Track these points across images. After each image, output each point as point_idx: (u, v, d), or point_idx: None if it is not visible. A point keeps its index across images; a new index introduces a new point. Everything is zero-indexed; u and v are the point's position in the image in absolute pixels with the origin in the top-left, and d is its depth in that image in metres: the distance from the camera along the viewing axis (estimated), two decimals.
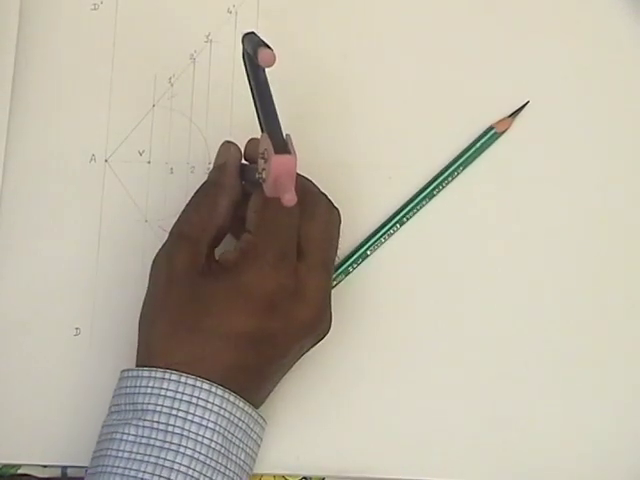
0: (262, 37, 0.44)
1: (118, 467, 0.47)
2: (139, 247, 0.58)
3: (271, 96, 0.47)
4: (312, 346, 0.52)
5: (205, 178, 0.54)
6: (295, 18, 0.61)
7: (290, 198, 0.45)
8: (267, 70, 0.45)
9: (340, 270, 0.57)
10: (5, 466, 0.55)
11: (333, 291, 0.53)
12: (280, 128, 0.47)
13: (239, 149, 0.54)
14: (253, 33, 0.46)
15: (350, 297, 0.56)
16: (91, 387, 0.55)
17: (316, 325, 0.51)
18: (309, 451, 0.55)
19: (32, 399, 0.55)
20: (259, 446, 0.51)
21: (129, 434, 0.48)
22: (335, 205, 0.53)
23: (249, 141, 0.54)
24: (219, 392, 0.48)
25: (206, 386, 0.48)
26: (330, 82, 0.60)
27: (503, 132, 0.59)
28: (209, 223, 0.52)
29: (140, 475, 0.47)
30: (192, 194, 0.53)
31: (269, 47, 0.43)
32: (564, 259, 0.58)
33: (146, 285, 0.52)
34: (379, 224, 0.58)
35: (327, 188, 0.53)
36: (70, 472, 0.55)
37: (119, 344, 0.55)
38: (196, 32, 0.61)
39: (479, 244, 0.58)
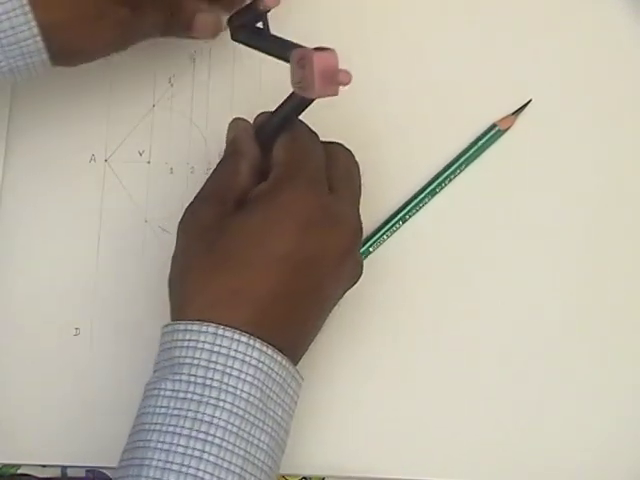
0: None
1: (156, 424, 0.45)
2: (139, 247, 0.58)
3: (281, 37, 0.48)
4: (344, 292, 0.51)
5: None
6: (295, 18, 0.61)
7: (344, 80, 0.45)
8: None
9: None
10: (5, 466, 0.55)
11: None
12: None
13: (248, 121, 0.53)
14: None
15: (353, 294, 0.56)
16: (91, 387, 0.55)
17: (352, 252, 0.50)
18: (309, 451, 0.55)
19: (32, 399, 0.55)
20: (295, 403, 0.49)
21: (166, 389, 0.46)
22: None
23: (258, 115, 0.53)
24: (257, 345, 0.46)
25: (244, 339, 0.46)
26: None
27: (506, 130, 0.59)
28: (234, 183, 0.50)
29: (178, 430, 0.44)
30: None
31: None
32: (568, 256, 0.58)
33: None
34: (382, 221, 0.58)
35: None
36: (70, 472, 0.55)
37: (119, 344, 0.55)
38: None
39: (482, 241, 0.58)
